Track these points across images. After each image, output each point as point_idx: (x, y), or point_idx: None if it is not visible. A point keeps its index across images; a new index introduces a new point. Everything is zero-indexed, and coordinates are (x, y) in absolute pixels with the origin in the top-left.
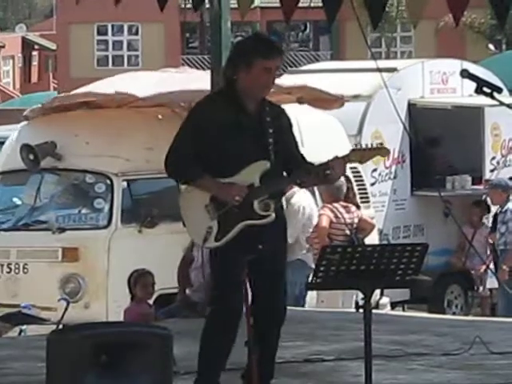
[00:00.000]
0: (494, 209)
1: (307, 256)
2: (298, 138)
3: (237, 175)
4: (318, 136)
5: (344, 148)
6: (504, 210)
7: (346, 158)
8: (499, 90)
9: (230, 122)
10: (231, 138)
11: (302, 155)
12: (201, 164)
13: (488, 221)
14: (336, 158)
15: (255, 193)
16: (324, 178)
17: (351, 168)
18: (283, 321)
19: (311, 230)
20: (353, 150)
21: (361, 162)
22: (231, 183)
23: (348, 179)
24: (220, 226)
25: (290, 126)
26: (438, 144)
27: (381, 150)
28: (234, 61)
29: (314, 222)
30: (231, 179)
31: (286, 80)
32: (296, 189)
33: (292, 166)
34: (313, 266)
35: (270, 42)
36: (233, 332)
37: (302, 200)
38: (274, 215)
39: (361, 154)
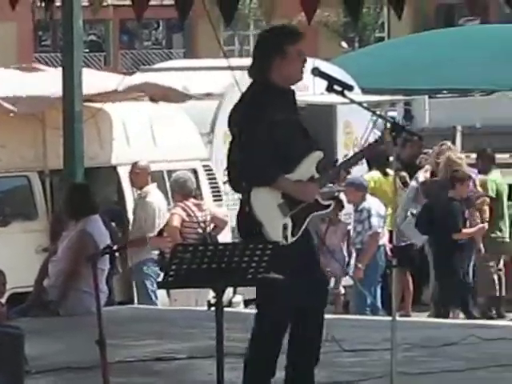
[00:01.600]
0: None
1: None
2: (150, 137)
3: (297, 169)
4: (169, 134)
5: (197, 146)
6: (360, 208)
7: (379, 142)
8: (350, 88)
9: (283, 116)
10: (288, 134)
11: None
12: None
13: (347, 217)
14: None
15: (319, 184)
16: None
17: (204, 166)
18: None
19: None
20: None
21: (395, 144)
22: (304, 183)
23: (196, 175)
24: (294, 222)
25: None
26: None
27: (415, 140)
28: (263, 54)
29: (164, 221)
30: (294, 174)
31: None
32: (151, 186)
33: None
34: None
35: (291, 26)
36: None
37: (157, 198)
38: (333, 203)
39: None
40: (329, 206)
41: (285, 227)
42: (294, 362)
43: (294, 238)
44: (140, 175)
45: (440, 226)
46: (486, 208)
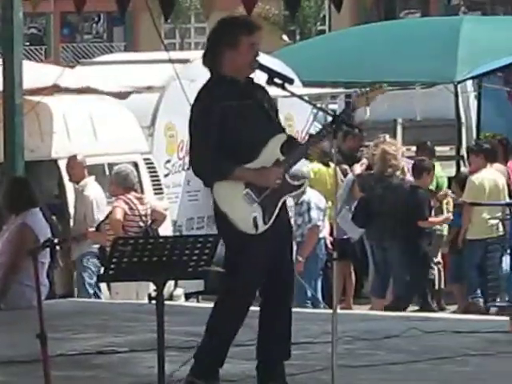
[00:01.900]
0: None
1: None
2: (90, 131)
3: (260, 157)
4: (110, 127)
5: (138, 139)
6: (299, 201)
7: (352, 108)
8: (291, 81)
9: (237, 107)
10: (244, 123)
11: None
12: (227, 155)
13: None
14: (340, 114)
15: (283, 167)
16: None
17: (145, 159)
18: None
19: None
20: (357, 95)
21: (367, 105)
22: (264, 168)
23: (137, 168)
24: (263, 209)
25: (273, 102)
26: None
27: (381, 89)
28: (216, 44)
29: (103, 215)
30: (257, 162)
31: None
32: (88, 179)
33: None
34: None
35: (248, 18)
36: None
37: (94, 192)
38: (306, 181)
39: (364, 97)
40: (300, 185)
41: (255, 218)
42: (265, 356)
43: (267, 226)
44: (76, 169)
45: (402, 214)
46: (450, 200)
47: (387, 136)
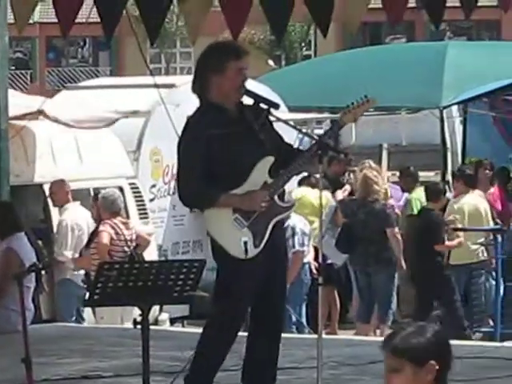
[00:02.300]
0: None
1: (77, 275)
2: (76, 155)
3: (248, 180)
4: (96, 152)
5: (123, 164)
6: (285, 226)
7: (339, 124)
8: (276, 106)
9: (223, 134)
10: (230, 151)
11: (289, 144)
12: (213, 182)
13: None
14: (326, 132)
15: (272, 189)
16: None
17: (130, 184)
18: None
19: (81, 247)
20: (343, 112)
21: (355, 121)
22: (250, 192)
23: (122, 193)
24: (254, 233)
25: (269, 119)
26: None
27: (368, 103)
28: (203, 70)
29: (85, 239)
30: (244, 186)
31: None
32: (69, 204)
33: (286, 157)
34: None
35: (235, 43)
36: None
37: (74, 216)
38: (294, 201)
39: (352, 114)
40: (290, 207)
41: (245, 242)
42: (250, 381)
43: (258, 250)
44: (59, 194)
45: (417, 236)
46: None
47: (371, 161)
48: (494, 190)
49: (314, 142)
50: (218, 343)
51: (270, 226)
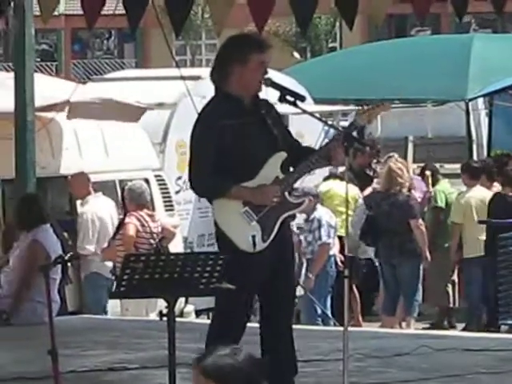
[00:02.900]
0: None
1: (105, 267)
2: (101, 147)
3: (260, 174)
4: (121, 144)
5: (149, 156)
6: (310, 218)
7: (353, 126)
8: (302, 99)
9: (237, 124)
10: (243, 142)
11: (298, 141)
12: (225, 174)
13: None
14: (339, 133)
15: (283, 185)
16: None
17: (156, 176)
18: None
19: (107, 240)
20: (357, 114)
21: (370, 123)
22: (261, 186)
23: (148, 185)
24: (262, 227)
25: (279, 116)
26: None
27: (384, 106)
28: (225, 60)
29: (111, 231)
30: (256, 180)
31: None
32: (90, 197)
33: (298, 153)
34: (109, 276)
35: (259, 36)
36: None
37: (95, 209)
38: (306, 201)
39: (367, 115)
40: (301, 203)
41: (253, 235)
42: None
43: (265, 245)
44: (77, 187)
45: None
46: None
47: (396, 155)
48: None
49: (327, 140)
50: (224, 335)
51: (279, 222)
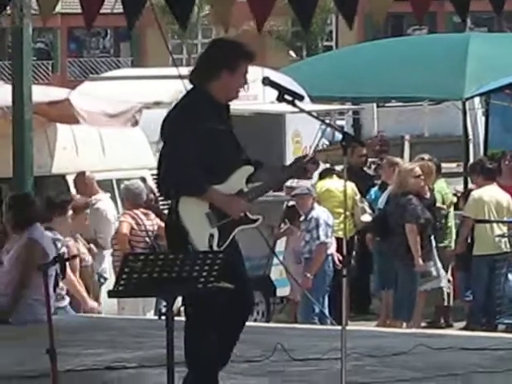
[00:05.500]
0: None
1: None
2: (98, 146)
3: (226, 182)
4: (119, 143)
5: (145, 154)
6: (308, 218)
7: (311, 159)
8: (301, 98)
9: (216, 128)
10: (218, 144)
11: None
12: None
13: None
14: (300, 158)
15: (247, 199)
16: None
17: (152, 175)
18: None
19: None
20: (318, 150)
21: (326, 162)
22: (234, 197)
23: (145, 184)
24: (220, 233)
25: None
26: None
27: (341, 149)
28: (214, 63)
29: (114, 228)
30: (222, 186)
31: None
32: (102, 195)
33: (256, 168)
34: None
35: (246, 45)
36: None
37: (107, 206)
38: (261, 218)
39: (323, 154)
40: (256, 220)
41: (211, 237)
42: None
43: (220, 250)
44: (87, 185)
45: None
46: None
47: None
48: None
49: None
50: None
51: (234, 233)
